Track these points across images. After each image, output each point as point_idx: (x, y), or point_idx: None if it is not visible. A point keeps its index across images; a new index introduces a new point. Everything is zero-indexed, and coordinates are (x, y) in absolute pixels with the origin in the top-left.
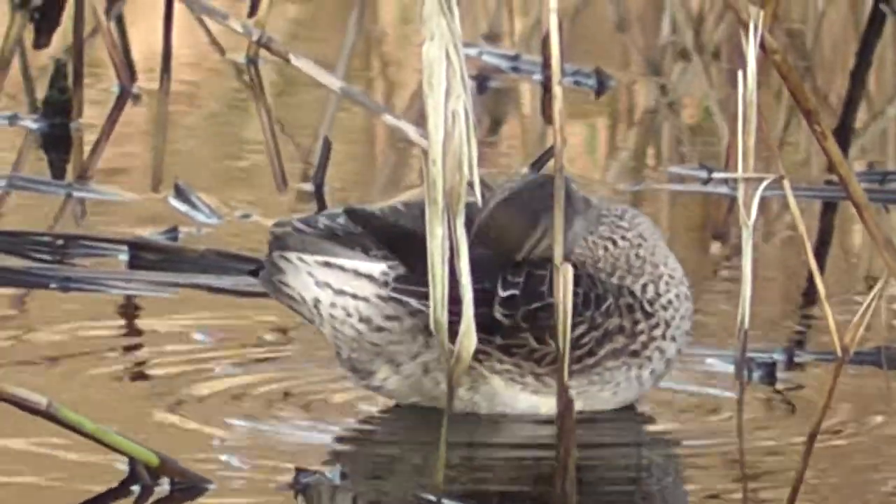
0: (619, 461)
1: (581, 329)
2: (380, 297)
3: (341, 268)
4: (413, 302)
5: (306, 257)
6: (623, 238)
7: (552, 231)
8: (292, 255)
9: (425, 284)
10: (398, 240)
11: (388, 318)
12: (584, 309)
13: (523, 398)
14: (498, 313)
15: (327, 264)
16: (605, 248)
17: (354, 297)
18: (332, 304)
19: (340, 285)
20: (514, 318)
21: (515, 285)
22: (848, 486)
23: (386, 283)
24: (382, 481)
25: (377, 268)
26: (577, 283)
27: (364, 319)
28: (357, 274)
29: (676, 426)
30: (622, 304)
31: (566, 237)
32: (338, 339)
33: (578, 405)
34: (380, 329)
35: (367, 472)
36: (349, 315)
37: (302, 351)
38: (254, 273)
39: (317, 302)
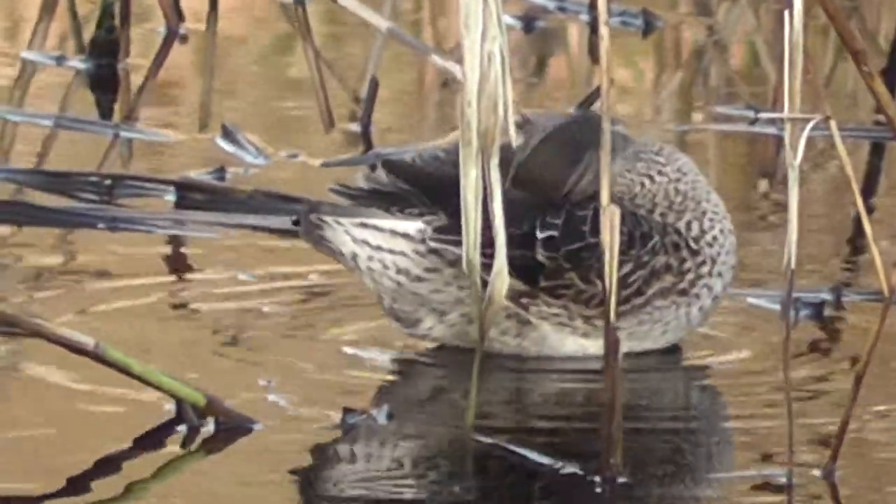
0: (664, 402)
1: (627, 268)
2: (417, 252)
3: (377, 227)
4: (453, 250)
5: (343, 220)
6: (660, 173)
7: (596, 168)
8: (328, 219)
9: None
10: (437, 190)
11: (428, 270)
12: (629, 248)
13: (572, 341)
14: (540, 255)
15: (363, 224)
16: (642, 185)
17: (391, 251)
18: (370, 258)
19: (377, 242)
20: (557, 259)
21: (554, 226)
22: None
23: (423, 240)
24: (427, 422)
25: (413, 226)
26: (621, 221)
27: (402, 271)
28: (393, 233)
29: (722, 366)
30: (668, 243)
31: None
32: (379, 290)
33: (627, 345)
34: (420, 279)
35: (413, 413)
36: (386, 268)
37: (348, 292)
38: (295, 223)
39: (355, 256)
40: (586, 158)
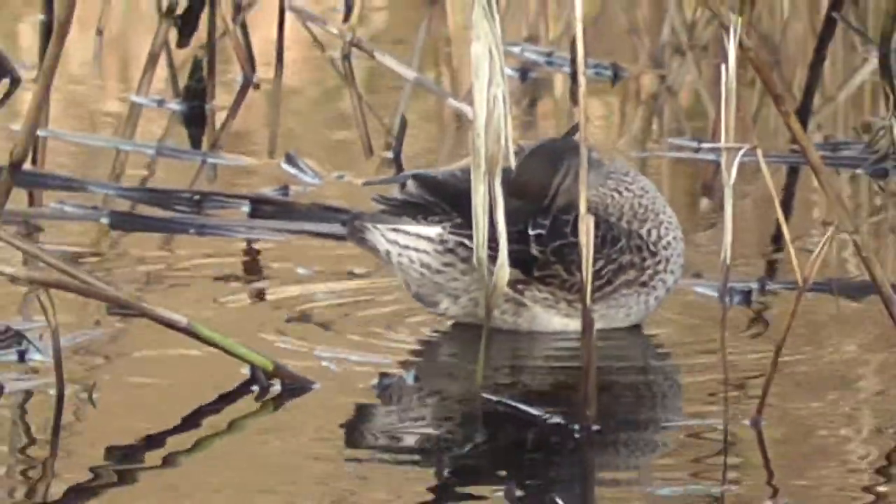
0: (629, 369)
1: (600, 264)
2: (436, 250)
3: (406, 232)
4: (467, 242)
5: (379, 226)
6: (627, 189)
7: (575, 172)
8: (369, 225)
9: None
10: (455, 199)
11: (445, 264)
12: (601, 248)
13: (557, 320)
14: (534, 249)
15: (395, 230)
16: (612, 197)
17: (416, 250)
18: (400, 255)
19: (406, 243)
20: (546, 253)
21: (543, 226)
22: (804, 390)
23: (441, 242)
24: (445, 382)
25: (433, 230)
26: (596, 227)
27: (425, 265)
28: (418, 236)
29: (673, 341)
30: (632, 245)
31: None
32: (407, 279)
33: (599, 325)
34: (438, 272)
35: (434, 376)
36: (413, 262)
37: (382, 283)
38: (343, 225)
39: (388, 253)
40: (566, 163)
